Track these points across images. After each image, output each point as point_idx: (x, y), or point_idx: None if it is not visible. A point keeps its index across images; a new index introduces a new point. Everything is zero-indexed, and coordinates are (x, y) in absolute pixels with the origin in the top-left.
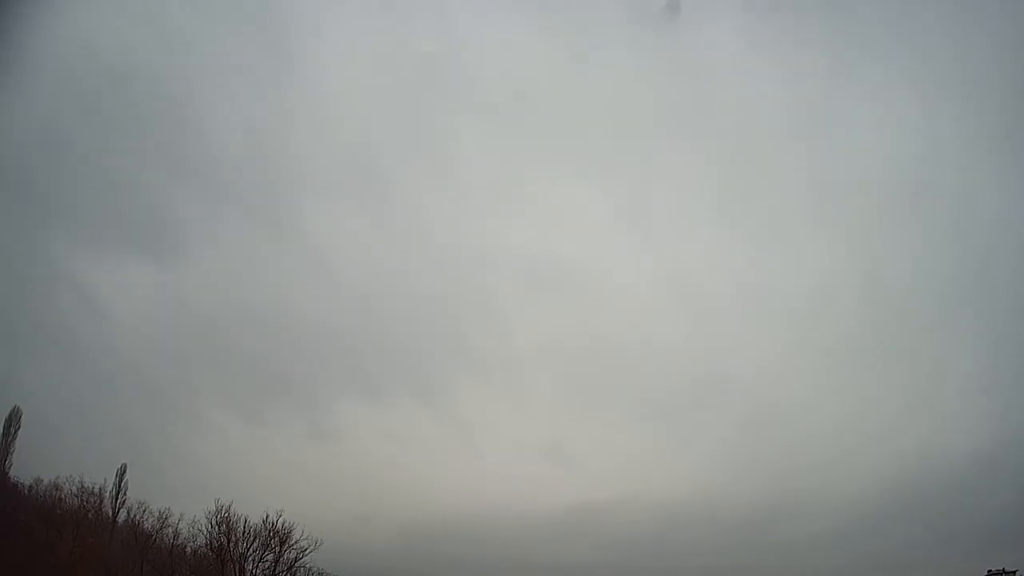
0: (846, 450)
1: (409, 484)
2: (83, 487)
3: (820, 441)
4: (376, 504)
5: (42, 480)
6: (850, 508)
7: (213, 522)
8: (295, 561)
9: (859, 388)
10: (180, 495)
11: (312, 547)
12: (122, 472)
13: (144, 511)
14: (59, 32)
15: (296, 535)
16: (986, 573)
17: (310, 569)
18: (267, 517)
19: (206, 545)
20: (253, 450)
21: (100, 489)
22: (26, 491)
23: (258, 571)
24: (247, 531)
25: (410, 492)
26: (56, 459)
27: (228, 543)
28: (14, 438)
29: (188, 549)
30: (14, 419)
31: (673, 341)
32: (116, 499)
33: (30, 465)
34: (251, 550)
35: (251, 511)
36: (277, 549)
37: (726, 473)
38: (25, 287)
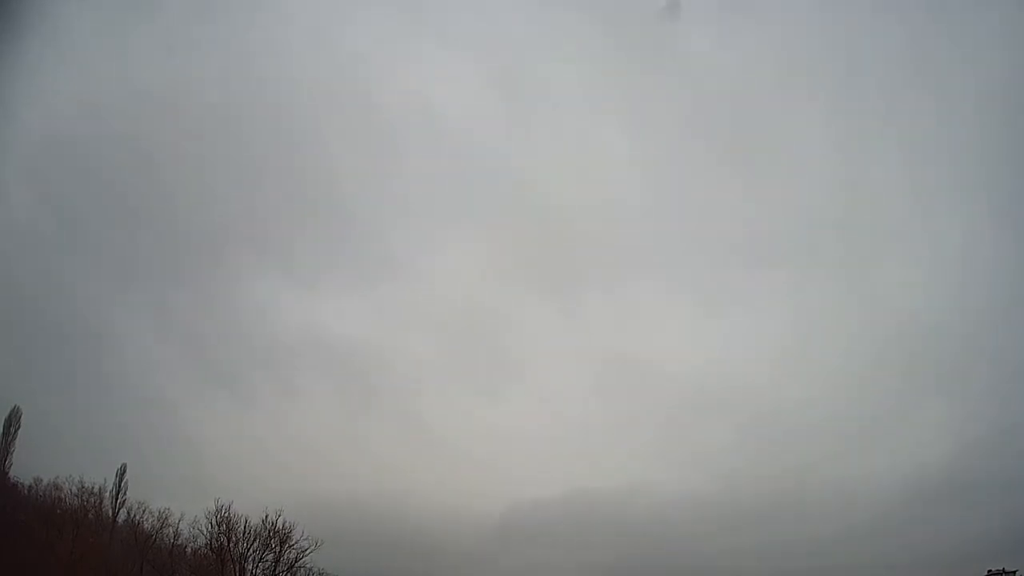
0: (843, 451)
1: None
2: (83, 487)
3: (819, 442)
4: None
5: (42, 480)
6: (850, 510)
7: (213, 522)
8: (295, 561)
9: (859, 391)
10: (180, 495)
11: (312, 547)
12: (122, 472)
13: (144, 511)
14: None
15: (296, 535)
16: (986, 573)
17: (310, 569)
18: (267, 517)
19: (206, 545)
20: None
21: (100, 489)
22: (26, 491)
23: (258, 571)
24: (247, 531)
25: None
26: (56, 459)
27: (228, 543)
28: (14, 438)
29: (188, 549)
30: (14, 419)
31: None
32: (116, 499)
33: (30, 465)
34: (251, 550)
35: (251, 510)
36: (277, 549)
37: (724, 471)
38: (26, 287)
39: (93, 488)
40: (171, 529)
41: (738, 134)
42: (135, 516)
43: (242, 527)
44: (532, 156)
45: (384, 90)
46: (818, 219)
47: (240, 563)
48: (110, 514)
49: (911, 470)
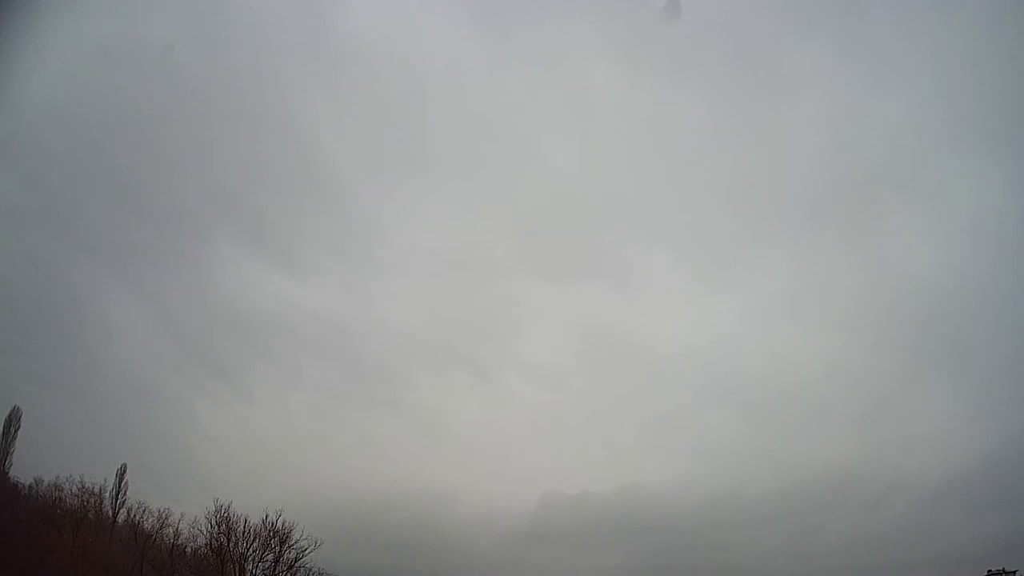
0: (843, 452)
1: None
2: (83, 487)
3: (820, 442)
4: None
5: (42, 480)
6: (849, 512)
7: (213, 522)
8: (295, 561)
9: (860, 384)
10: (180, 495)
11: (312, 547)
12: (122, 472)
13: (144, 511)
14: None
15: (296, 535)
16: (986, 573)
17: (310, 569)
18: (267, 517)
19: (206, 545)
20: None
21: (100, 489)
22: (26, 491)
23: (258, 571)
24: (247, 531)
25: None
26: (56, 459)
27: (228, 543)
28: (14, 438)
29: (188, 549)
30: (14, 419)
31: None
32: (116, 499)
33: (30, 465)
34: (251, 550)
35: (251, 510)
36: (277, 549)
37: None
38: (26, 288)
39: (93, 488)
40: (171, 529)
41: (737, 103)
42: (135, 516)
43: (242, 527)
44: (524, 130)
45: (377, 67)
46: (821, 192)
47: (240, 563)
48: (110, 514)
49: (912, 470)
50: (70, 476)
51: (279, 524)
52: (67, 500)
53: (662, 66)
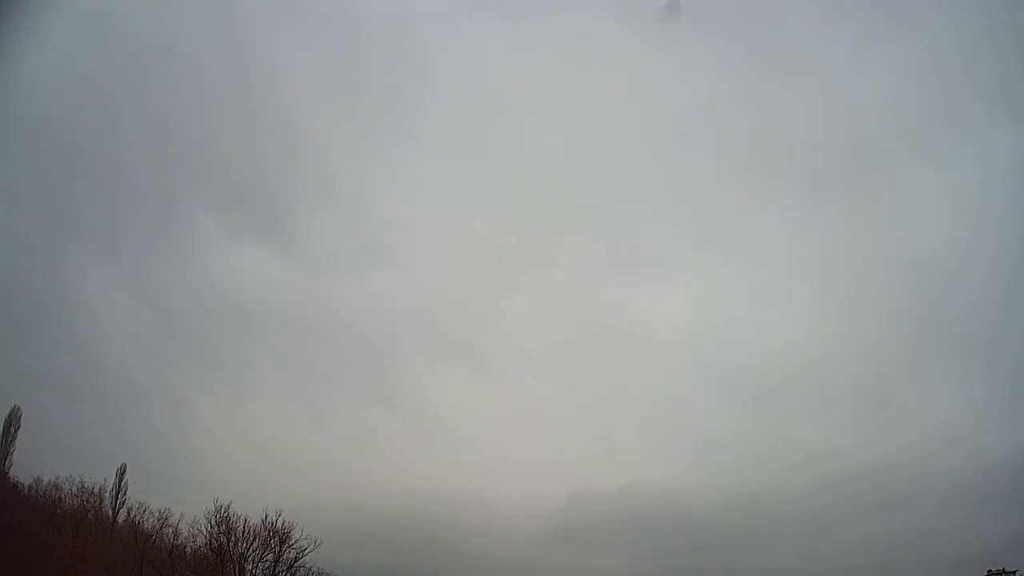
0: (841, 454)
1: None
2: (83, 487)
3: (822, 444)
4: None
5: (42, 480)
6: (850, 514)
7: (213, 522)
8: (295, 561)
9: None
10: (180, 495)
11: (312, 547)
12: (122, 472)
13: (144, 511)
14: None
15: (296, 535)
16: (986, 573)
17: (310, 569)
18: (267, 517)
19: (206, 545)
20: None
21: (100, 489)
22: (26, 491)
23: (258, 571)
24: (247, 531)
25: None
26: (56, 459)
27: (228, 543)
28: (14, 438)
29: (188, 549)
30: (14, 419)
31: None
32: (116, 499)
33: (30, 465)
34: (251, 550)
35: (251, 510)
36: (277, 549)
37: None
38: (25, 288)
39: (93, 488)
40: (171, 529)
41: (734, 71)
42: (135, 516)
43: (241, 527)
44: (515, 107)
45: (375, 56)
46: (822, 162)
47: (240, 563)
48: (110, 514)
49: (916, 472)
50: (70, 476)
51: (279, 524)
52: (67, 500)
53: (656, 34)
